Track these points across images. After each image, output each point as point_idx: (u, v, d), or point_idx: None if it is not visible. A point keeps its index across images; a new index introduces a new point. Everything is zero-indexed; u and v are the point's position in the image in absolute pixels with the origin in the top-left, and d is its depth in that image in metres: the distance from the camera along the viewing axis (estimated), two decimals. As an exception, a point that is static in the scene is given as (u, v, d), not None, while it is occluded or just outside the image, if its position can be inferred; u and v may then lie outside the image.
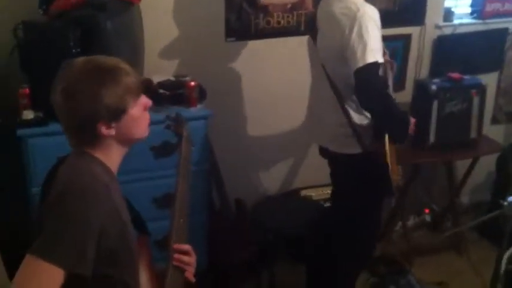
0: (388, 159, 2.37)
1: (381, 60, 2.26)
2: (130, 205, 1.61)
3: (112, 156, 1.49)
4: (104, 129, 1.43)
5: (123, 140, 1.49)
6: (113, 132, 1.44)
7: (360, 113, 2.42)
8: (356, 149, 2.45)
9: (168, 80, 2.76)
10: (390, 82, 2.53)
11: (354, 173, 2.48)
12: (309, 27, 2.61)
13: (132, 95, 1.46)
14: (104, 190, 1.40)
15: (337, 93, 2.42)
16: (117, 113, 1.43)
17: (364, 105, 2.34)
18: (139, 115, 1.49)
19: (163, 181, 2.48)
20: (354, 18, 2.25)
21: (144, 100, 1.51)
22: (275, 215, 3.16)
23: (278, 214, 3.17)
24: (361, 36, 2.22)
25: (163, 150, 2.51)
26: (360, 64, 2.21)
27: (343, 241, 2.65)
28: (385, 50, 2.42)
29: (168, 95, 2.69)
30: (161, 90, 2.69)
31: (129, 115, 1.46)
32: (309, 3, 3.10)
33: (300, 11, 3.13)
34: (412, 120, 2.52)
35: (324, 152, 2.67)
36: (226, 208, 3.09)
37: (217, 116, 3.02)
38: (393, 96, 2.47)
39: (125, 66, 1.47)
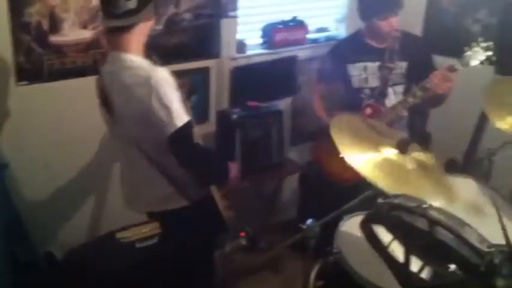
0: (217, 200, 2.51)
1: (187, 118, 2.27)
2: None
3: None
4: None
5: None
6: None
7: (179, 168, 2.40)
8: (183, 202, 2.47)
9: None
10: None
11: (186, 224, 2.47)
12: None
13: None
14: None
15: (149, 158, 2.39)
16: None
17: (184, 165, 2.36)
18: None
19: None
20: (148, 86, 2.20)
21: None
22: (92, 262, 3.01)
23: (96, 260, 3.03)
24: (161, 102, 2.20)
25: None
26: (171, 130, 2.22)
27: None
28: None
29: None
30: None
31: None
32: (104, 41, 3.04)
33: (96, 50, 3.06)
34: (233, 165, 2.68)
35: (150, 214, 2.63)
36: (34, 263, 2.88)
37: (16, 166, 2.84)
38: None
39: None
